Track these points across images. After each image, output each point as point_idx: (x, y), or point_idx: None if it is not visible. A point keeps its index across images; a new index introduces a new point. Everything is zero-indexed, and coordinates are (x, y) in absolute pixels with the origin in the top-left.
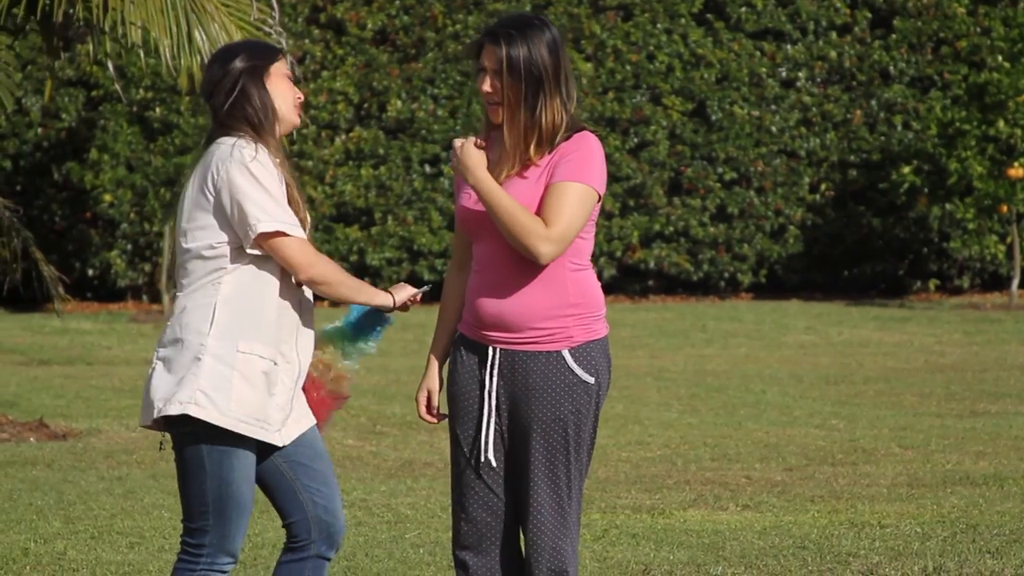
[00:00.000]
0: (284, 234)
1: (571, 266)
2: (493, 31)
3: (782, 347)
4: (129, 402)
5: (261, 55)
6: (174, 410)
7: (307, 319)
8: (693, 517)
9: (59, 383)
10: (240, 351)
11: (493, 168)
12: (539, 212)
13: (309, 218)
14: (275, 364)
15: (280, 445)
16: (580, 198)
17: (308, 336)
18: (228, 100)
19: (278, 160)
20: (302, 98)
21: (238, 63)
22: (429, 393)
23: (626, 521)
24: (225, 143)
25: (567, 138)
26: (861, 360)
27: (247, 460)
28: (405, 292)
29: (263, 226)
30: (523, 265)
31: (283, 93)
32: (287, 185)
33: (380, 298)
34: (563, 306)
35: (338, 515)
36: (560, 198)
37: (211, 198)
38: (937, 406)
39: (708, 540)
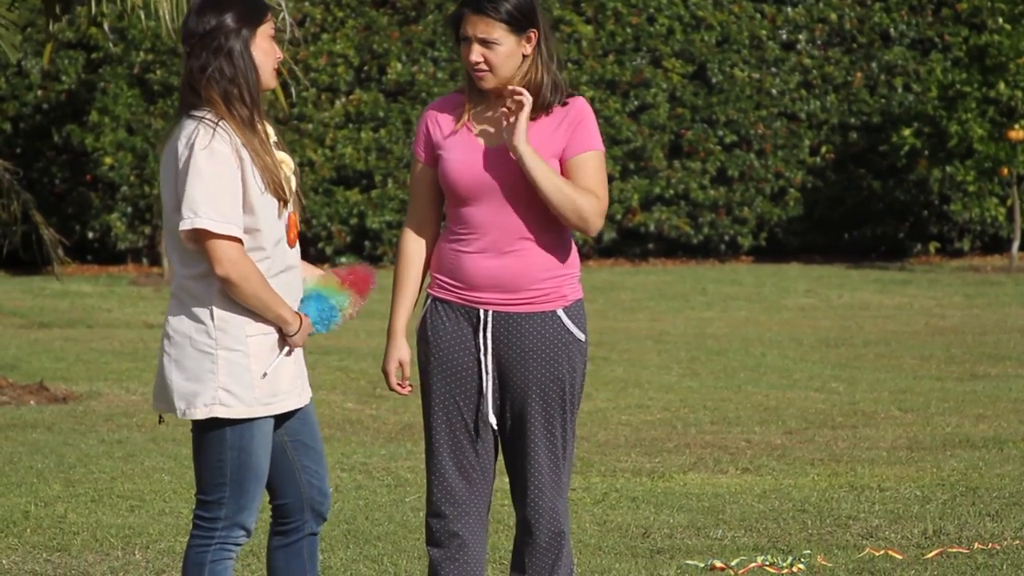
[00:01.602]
0: (209, 231)
1: (563, 227)
2: (472, 0)
3: (782, 310)
4: (129, 365)
5: (253, 15)
6: (200, 414)
7: (297, 274)
8: (693, 480)
9: (59, 346)
10: (249, 335)
11: (495, 131)
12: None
13: (294, 178)
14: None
15: (302, 406)
16: (603, 165)
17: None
18: (210, 61)
19: (248, 136)
20: (281, 58)
21: (229, 20)
22: (401, 364)
23: (626, 484)
24: (187, 127)
25: (564, 103)
26: (861, 323)
27: (267, 429)
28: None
29: (185, 223)
30: (523, 227)
31: (265, 54)
32: (259, 155)
33: (285, 321)
34: (559, 266)
35: (327, 493)
36: (595, 170)
37: (174, 182)
38: (937, 369)
39: (708, 503)
